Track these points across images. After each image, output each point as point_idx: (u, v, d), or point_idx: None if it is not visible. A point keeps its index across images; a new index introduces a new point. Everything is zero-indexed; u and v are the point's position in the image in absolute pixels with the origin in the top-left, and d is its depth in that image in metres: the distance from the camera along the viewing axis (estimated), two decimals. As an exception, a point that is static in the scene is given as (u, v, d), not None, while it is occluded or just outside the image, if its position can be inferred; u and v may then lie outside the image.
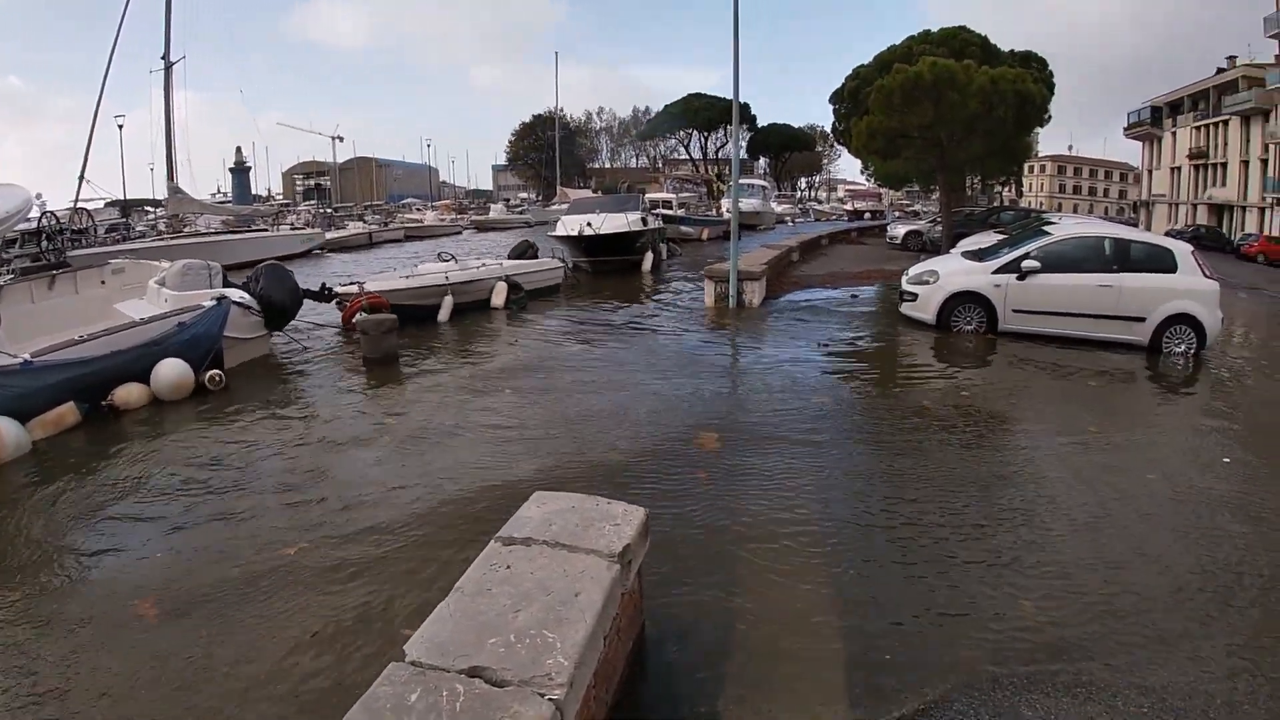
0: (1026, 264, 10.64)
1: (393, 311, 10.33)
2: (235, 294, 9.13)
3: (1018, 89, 19.33)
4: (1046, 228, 12.29)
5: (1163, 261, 10.46)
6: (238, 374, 8.57)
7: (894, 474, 5.78)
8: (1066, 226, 12.42)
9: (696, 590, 3.92)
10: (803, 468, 5.80)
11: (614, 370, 8.97)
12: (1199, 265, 10.42)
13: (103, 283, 10.15)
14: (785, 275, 17.88)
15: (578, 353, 10.18)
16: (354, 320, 10.33)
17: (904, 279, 12.15)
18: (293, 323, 10.23)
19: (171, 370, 7.64)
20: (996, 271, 10.89)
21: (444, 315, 12.09)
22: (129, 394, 7.37)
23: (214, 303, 8.61)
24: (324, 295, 10.95)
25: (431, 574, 4.02)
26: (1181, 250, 10.66)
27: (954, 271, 11.61)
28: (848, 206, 66.98)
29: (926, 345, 10.57)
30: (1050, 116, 21.10)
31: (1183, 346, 10.23)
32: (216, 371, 8.00)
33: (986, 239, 17.31)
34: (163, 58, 24.87)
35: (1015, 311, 10.80)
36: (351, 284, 11.48)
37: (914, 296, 11.58)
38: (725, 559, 4.28)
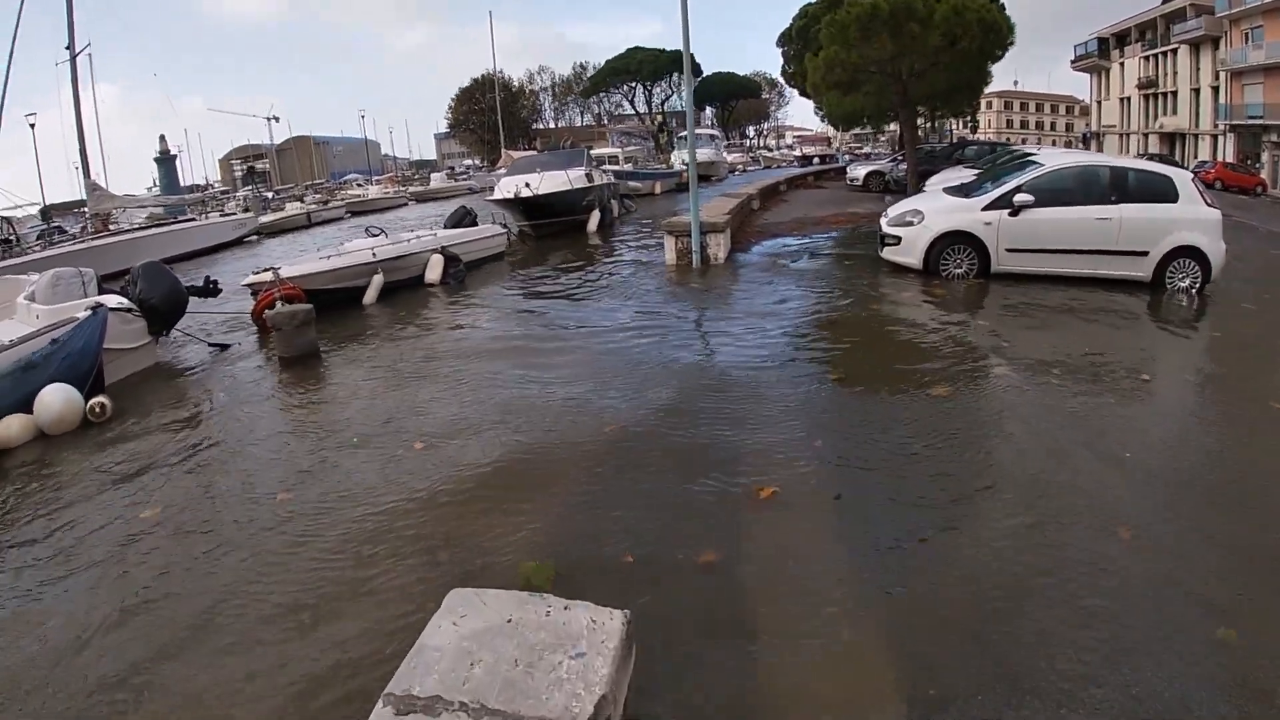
0: (1019, 198, 9.60)
1: (315, 297, 8.90)
2: (113, 300, 7.83)
3: (983, 18, 18.21)
4: (1033, 158, 11.26)
5: (1162, 190, 9.52)
6: (127, 391, 7.23)
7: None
8: (1056, 156, 11.36)
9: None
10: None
11: (540, 365, 7.21)
12: (1199, 193, 9.54)
13: None
14: (749, 225, 16.60)
15: (510, 337, 8.56)
16: (265, 315, 8.79)
17: (883, 221, 10.95)
18: (188, 322, 9.02)
19: (56, 397, 6.27)
20: (987, 208, 9.84)
21: (370, 298, 10.68)
22: (9, 429, 6.02)
23: (89, 313, 7.19)
24: (209, 290, 9.54)
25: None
26: (1182, 178, 9.76)
27: (940, 210, 10.47)
28: (797, 152, 66.63)
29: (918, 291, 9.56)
30: (1014, 42, 19.92)
31: (1187, 281, 9.39)
32: (98, 400, 6.51)
33: (959, 175, 16.33)
34: (67, 48, 22.96)
35: (1009, 251, 9.80)
36: (264, 270, 9.88)
37: (897, 240, 10.42)
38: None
